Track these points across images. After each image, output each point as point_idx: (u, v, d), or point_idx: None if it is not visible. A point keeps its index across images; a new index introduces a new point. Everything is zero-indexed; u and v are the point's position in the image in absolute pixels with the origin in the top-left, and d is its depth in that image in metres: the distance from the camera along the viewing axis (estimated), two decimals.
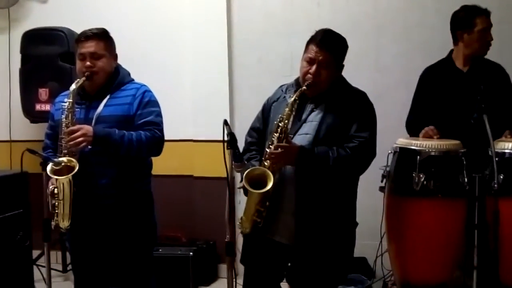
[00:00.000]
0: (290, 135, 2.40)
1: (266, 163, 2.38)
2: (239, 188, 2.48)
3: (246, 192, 2.44)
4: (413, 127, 3.25)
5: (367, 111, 2.49)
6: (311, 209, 2.40)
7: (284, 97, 2.51)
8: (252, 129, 2.68)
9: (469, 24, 3.13)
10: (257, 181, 2.35)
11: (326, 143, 2.39)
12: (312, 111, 2.46)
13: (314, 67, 2.41)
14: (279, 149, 2.33)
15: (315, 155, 2.35)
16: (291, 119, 2.43)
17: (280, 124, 2.38)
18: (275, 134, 2.38)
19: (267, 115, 2.60)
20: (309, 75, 2.42)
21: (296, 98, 2.40)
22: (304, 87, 2.41)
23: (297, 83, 2.51)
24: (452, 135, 2.99)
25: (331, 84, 2.47)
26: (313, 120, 2.44)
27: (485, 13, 3.14)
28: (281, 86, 2.65)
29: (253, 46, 4.11)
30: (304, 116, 2.47)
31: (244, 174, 2.35)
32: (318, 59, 2.41)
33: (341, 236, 2.49)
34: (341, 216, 2.48)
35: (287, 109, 2.39)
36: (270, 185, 2.32)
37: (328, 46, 2.42)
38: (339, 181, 2.44)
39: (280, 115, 2.40)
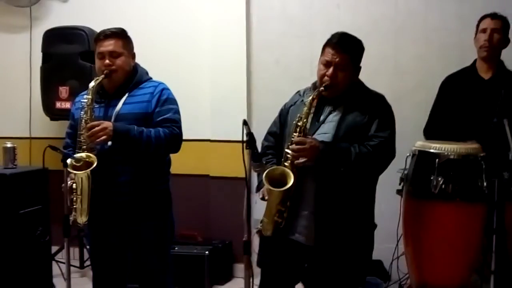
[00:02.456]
0: (309, 135, 2.41)
1: (286, 164, 2.39)
2: (261, 198, 2.49)
3: (263, 198, 2.46)
4: (431, 133, 3.24)
5: (386, 112, 2.49)
6: (331, 209, 2.40)
7: (302, 100, 2.52)
8: (269, 133, 2.69)
9: (476, 28, 3.17)
10: (277, 181, 2.36)
11: (346, 142, 2.40)
12: (330, 112, 2.47)
13: (331, 69, 2.42)
14: (301, 144, 2.34)
15: (337, 149, 2.36)
16: (310, 119, 2.44)
17: (299, 124, 2.40)
18: (294, 134, 2.40)
19: (285, 119, 2.61)
20: (326, 78, 2.43)
21: (314, 96, 2.41)
22: (322, 88, 2.42)
23: (315, 87, 2.52)
24: (472, 139, 2.97)
25: (349, 87, 2.48)
26: (332, 120, 2.46)
27: (490, 16, 3.15)
28: (298, 91, 2.67)
29: (272, 47, 4.11)
30: (322, 118, 2.48)
31: (264, 174, 2.35)
32: (335, 61, 2.42)
33: (361, 238, 2.49)
34: (361, 217, 2.49)
35: (305, 108, 2.41)
36: (290, 183, 2.33)
37: (345, 48, 2.44)
38: (358, 181, 2.44)
39: (298, 115, 2.42)
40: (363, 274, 2.62)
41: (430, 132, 3.27)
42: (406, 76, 3.91)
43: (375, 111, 2.44)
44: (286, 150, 2.40)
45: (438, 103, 3.30)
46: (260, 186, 2.49)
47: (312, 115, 2.47)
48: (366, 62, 3.87)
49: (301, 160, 2.37)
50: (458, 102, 3.16)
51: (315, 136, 2.43)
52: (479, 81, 3.17)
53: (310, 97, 2.42)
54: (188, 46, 4.26)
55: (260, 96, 4.15)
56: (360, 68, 2.54)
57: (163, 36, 4.27)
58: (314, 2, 4.06)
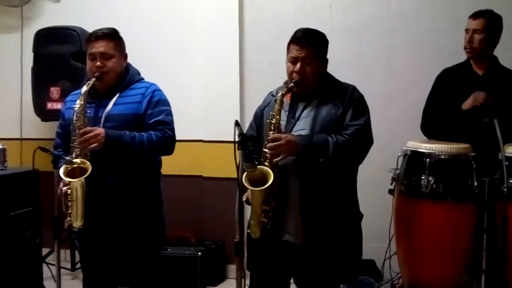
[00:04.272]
0: (285, 132, 2.43)
1: (266, 163, 2.39)
2: (245, 202, 2.48)
3: (248, 202, 2.46)
4: (428, 129, 3.25)
5: (359, 101, 2.50)
6: (317, 204, 2.41)
7: (275, 100, 2.51)
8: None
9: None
10: (258, 181, 2.36)
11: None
12: (304, 108, 2.49)
13: (298, 65, 2.44)
14: (277, 141, 2.35)
15: (314, 141, 2.36)
16: (284, 117, 2.46)
17: (272, 122, 2.41)
18: (270, 132, 2.41)
19: (260, 121, 2.62)
20: (295, 74, 2.45)
21: (284, 92, 2.43)
22: (291, 84, 2.44)
23: (286, 85, 2.53)
24: (463, 138, 2.98)
25: (320, 81, 2.50)
26: (306, 116, 2.47)
27: (473, 16, 3.16)
28: (270, 92, 2.68)
29: (265, 48, 4.11)
30: (297, 114, 2.49)
31: (244, 175, 2.35)
32: (300, 56, 2.44)
33: (349, 230, 2.50)
34: (347, 209, 2.49)
35: (276, 105, 2.42)
36: (270, 181, 2.33)
37: (308, 42, 2.46)
38: (340, 173, 2.45)
39: (271, 113, 2.44)
40: (356, 266, 2.61)
41: (428, 129, 3.28)
42: (399, 76, 3.91)
43: (348, 102, 2.46)
44: (264, 149, 2.41)
45: (433, 97, 3.30)
46: (244, 190, 2.49)
47: (287, 113, 2.49)
48: (359, 62, 3.93)
49: (280, 157, 2.37)
50: (452, 97, 3.17)
51: (292, 133, 2.44)
52: (474, 77, 3.18)
53: (280, 93, 2.44)
54: (181, 46, 4.26)
55: (254, 97, 4.13)
56: (327, 60, 2.55)
57: (156, 37, 4.27)
58: (307, 3, 4.06)
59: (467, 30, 3.17)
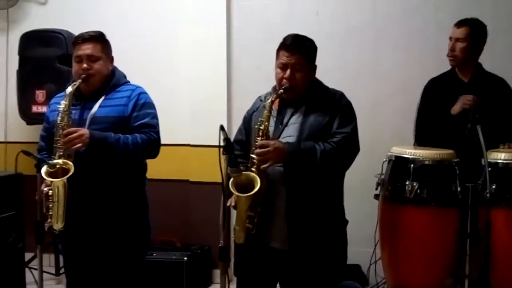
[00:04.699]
0: (273, 138, 2.43)
1: (253, 169, 2.39)
2: (232, 207, 2.49)
3: (235, 207, 2.46)
4: (422, 140, 3.27)
5: (347, 108, 2.51)
6: (302, 211, 2.41)
7: (264, 105, 2.52)
8: (236, 142, 2.67)
9: None
10: (245, 187, 2.35)
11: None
12: (292, 114, 2.50)
13: (288, 71, 2.45)
14: (265, 147, 2.35)
15: (302, 148, 2.37)
16: (272, 123, 2.46)
17: (261, 128, 2.41)
18: (258, 138, 2.41)
19: (249, 126, 2.62)
20: (284, 80, 2.46)
21: (273, 99, 2.43)
22: (281, 90, 2.44)
23: (275, 90, 2.54)
24: (447, 144, 3.01)
25: (308, 87, 2.51)
26: (294, 122, 2.48)
27: (457, 24, 3.19)
28: (259, 97, 2.68)
29: (253, 53, 4.11)
30: (285, 120, 2.50)
31: (231, 180, 2.35)
32: (290, 63, 2.45)
33: (334, 235, 2.50)
34: (332, 215, 2.50)
35: (265, 111, 2.43)
36: (257, 188, 2.33)
37: (299, 48, 2.46)
38: (326, 179, 2.45)
39: (260, 119, 2.44)
40: (341, 272, 2.62)
41: (422, 139, 3.28)
42: (385, 82, 3.94)
43: (335, 109, 2.47)
44: (251, 155, 2.41)
45: (423, 108, 3.33)
46: (229, 195, 2.48)
47: (275, 119, 2.49)
48: (345, 68, 3.95)
49: (267, 163, 2.37)
50: (441, 105, 3.19)
51: (279, 139, 2.44)
52: (460, 84, 3.21)
53: (269, 100, 2.44)
54: (168, 50, 4.25)
55: (241, 101, 4.13)
56: (315, 66, 2.56)
57: (142, 40, 4.25)
58: (294, 9, 4.08)
59: (450, 38, 3.20)
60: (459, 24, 3.18)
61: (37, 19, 4.37)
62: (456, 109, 3.10)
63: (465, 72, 3.22)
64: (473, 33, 3.16)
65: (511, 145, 3.01)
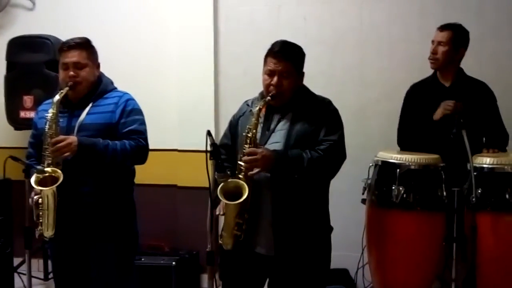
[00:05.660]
0: (260, 145, 2.43)
1: (240, 176, 2.40)
2: (219, 214, 2.49)
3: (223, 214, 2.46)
4: (404, 144, 3.30)
5: (333, 116, 2.52)
6: (288, 217, 2.42)
7: (251, 110, 2.53)
8: (221, 146, 2.66)
9: None
10: (233, 194, 2.36)
11: (297, 149, 2.42)
12: (279, 121, 2.50)
13: (275, 78, 2.45)
14: (253, 155, 2.35)
15: (289, 157, 2.38)
16: (259, 129, 2.47)
17: (248, 135, 2.41)
18: (245, 145, 2.41)
19: (235, 130, 2.62)
20: (272, 87, 2.46)
21: (261, 106, 2.44)
22: (269, 98, 2.45)
23: (262, 96, 2.54)
24: (433, 149, 3.04)
25: (295, 93, 2.51)
26: (281, 129, 2.48)
27: (440, 28, 3.24)
28: (246, 101, 2.69)
29: (240, 58, 4.13)
30: (272, 126, 2.50)
31: (219, 188, 2.36)
32: (278, 69, 2.45)
33: (319, 242, 2.51)
34: (317, 222, 2.51)
35: (253, 119, 2.43)
36: (245, 195, 2.34)
37: (286, 55, 2.46)
38: (312, 186, 2.47)
39: (247, 126, 2.44)
40: (324, 278, 2.63)
41: (404, 144, 3.31)
42: (370, 87, 3.97)
43: (322, 116, 2.47)
44: (239, 162, 2.41)
45: (405, 113, 3.36)
46: (216, 202, 2.49)
47: (262, 125, 2.49)
48: (332, 74, 3.98)
49: (255, 170, 2.37)
50: (423, 109, 3.23)
51: (266, 146, 2.45)
52: (441, 88, 3.26)
53: (257, 108, 2.44)
54: (155, 56, 4.25)
55: (228, 106, 4.14)
56: (303, 73, 2.57)
57: (130, 46, 4.25)
58: (281, 15, 4.10)
59: (432, 41, 3.25)
60: (442, 28, 3.23)
61: (25, 24, 4.35)
62: (438, 114, 3.14)
63: (446, 76, 3.27)
64: (455, 37, 3.20)
65: (495, 150, 3.06)
